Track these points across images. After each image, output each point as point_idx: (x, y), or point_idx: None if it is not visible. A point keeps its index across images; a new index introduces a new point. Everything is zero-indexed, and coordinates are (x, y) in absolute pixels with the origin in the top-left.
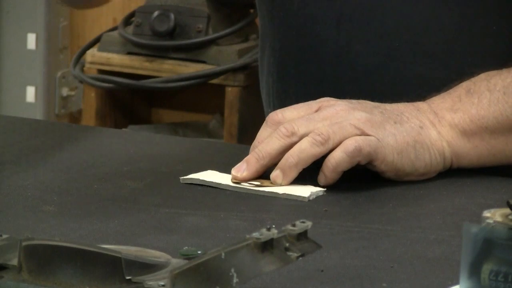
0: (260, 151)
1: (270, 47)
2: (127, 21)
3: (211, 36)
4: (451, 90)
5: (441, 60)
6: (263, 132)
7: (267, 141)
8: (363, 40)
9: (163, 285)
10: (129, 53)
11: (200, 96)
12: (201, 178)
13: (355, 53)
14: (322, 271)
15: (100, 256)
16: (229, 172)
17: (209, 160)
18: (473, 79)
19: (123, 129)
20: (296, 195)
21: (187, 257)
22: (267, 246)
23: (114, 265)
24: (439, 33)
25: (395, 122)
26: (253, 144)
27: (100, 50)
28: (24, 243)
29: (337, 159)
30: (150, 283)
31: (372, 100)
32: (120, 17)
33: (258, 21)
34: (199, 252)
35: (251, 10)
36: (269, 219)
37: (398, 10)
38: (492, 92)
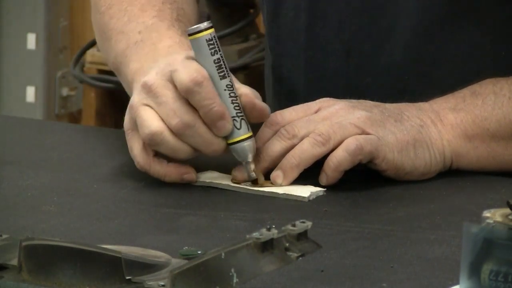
0: (261, 153)
1: (277, 74)
2: None
3: None
4: (455, 92)
5: (452, 90)
6: (263, 133)
7: (268, 143)
8: (373, 73)
9: (163, 285)
10: None
11: None
12: (201, 178)
13: (365, 86)
14: (322, 271)
15: (100, 256)
16: (229, 172)
17: (209, 160)
18: (480, 83)
19: (123, 129)
20: (296, 195)
21: (187, 257)
22: (267, 246)
23: (114, 265)
24: (448, 64)
25: (395, 121)
26: None
27: (100, 50)
28: (24, 243)
29: (339, 159)
30: (150, 283)
31: None
32: None
33: (257, 21)
34: (199, 252)
35: (251, 10)
36: (269, 219)
37: (407, 42)
38: (497, 96)
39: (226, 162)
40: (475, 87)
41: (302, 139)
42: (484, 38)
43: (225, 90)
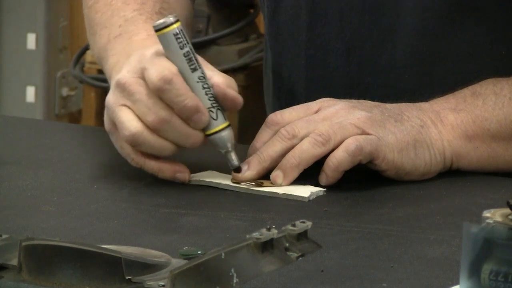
0: (261, 153)
1: (277, 73)
2: None
3: (211, 36)
4: (456, 92)
5: (453, 90)
6: (263, 133)
7: (268, 143)
8: (373, 72)
9: (163, 285)
10: None
11: None
12: (201, 178)
13: (365, 84)
14: (322, 271)
15: (100, 256)
16: (229, 172)
17: (209, 160)
18: (480, 83)
19: None
20: (296, 195)
21: (187, 257)
22: (267, 246)
23: (114, 265)
24: (449, 64)
25: (395, 121)
26: (252, 144)
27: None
28: (24, 243)
29: (339, 159)
30: (150, 283)
31: None
32: None
33: (257, 21)
34: (199, 252)
35: (251, 10)
36: (269, 219)
37: (408, 42)
38: (498, 96)
39: (226, 162)
40: (476, 87)
41: (302, 139)
42: (484, 38)
43: (197, 82)
